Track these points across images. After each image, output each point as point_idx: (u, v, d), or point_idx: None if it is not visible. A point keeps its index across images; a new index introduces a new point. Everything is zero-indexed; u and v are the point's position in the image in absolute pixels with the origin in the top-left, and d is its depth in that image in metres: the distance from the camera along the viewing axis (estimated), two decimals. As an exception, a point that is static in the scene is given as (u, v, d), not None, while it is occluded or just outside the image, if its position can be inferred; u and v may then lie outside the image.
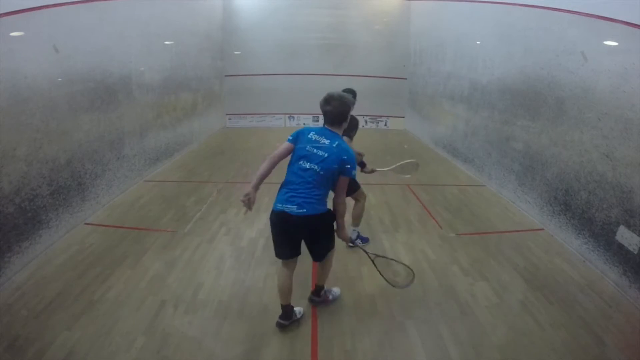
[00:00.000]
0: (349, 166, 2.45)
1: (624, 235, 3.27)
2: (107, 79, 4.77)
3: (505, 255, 3.76)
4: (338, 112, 2.49)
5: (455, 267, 3.52)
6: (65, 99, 3.94)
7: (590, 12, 3.77)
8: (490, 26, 6.02)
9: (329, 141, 2.46)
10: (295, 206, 2.43)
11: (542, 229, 4.38)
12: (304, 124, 10.63)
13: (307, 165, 2.44)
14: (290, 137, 2.57)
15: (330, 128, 2.53)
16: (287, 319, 2.67)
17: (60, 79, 3.87)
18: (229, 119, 10.65)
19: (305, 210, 2.43)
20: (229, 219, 4.49)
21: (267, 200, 5.08)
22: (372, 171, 3.83)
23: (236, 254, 3.70)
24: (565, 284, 3.34)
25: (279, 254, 2.64)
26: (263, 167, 2.53)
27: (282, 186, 2.55)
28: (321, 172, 2.43)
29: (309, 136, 2.50)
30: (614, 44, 3.55)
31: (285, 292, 2.65)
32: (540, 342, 2.60)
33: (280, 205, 2.48)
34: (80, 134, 4.22)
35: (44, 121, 3.62)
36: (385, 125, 10.94)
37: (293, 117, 10.74)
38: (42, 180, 3.61)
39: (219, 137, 9.43)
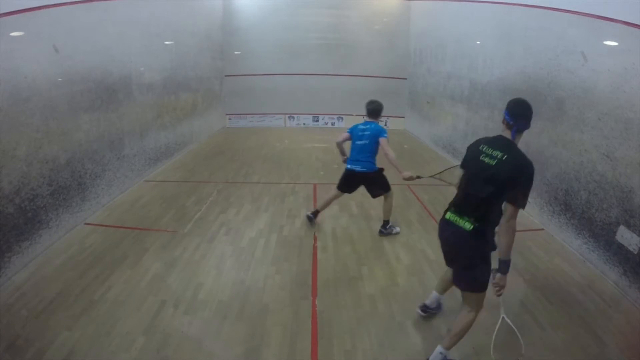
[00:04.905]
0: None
1: (624, 235, 3.27)
2: (107, 79, 4.76)
3: (505, 255, 3.75)
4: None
5: (455, 267, 3.51)
6: (65, 99, 3.94)
7: (590, 12, 3.76)
8: (490, 26, 6.02)
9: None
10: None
11: (542, 229, 4.38)
12: (304, 124, 10.65)
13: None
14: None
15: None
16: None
17: (60, 79, 3.87)
18: (229, 119, 10.63)
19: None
20: (229, 219, 4.49)
21: (266, 200, 5.11)
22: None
23: (236, 254, 3.70)
24: (565, 284, 3.34)
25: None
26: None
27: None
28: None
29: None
30: (614, 44, 3.54)
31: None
32: (540, 342, 2.60)
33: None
34: (80, 134, 4.22)
35: (44, 121, 3.62)
36: (385, 125, 10.90)
37: (293, 117, 10.73)
38: (42, 180, 3.61)
39: (219, 137, 9.42)
